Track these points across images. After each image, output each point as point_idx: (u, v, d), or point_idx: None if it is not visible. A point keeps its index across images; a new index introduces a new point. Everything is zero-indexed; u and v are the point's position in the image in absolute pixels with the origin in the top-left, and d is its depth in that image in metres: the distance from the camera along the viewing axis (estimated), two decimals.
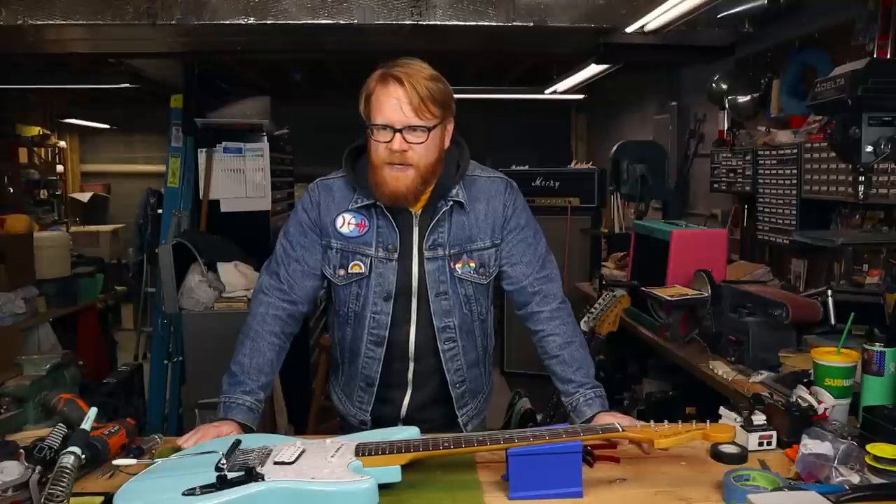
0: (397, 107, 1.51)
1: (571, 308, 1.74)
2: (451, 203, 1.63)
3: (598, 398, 1.62)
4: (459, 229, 1.65)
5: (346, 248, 1.66)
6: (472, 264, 1.66)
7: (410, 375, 1.70)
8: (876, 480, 1.28)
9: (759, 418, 1.52)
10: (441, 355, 1.67)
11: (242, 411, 1.59)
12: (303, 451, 1.31)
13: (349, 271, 1.66)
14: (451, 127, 1.63)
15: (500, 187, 1.70)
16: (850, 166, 1.87)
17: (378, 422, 1.70)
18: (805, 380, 1.75)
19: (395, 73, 1.51)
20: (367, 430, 1.63)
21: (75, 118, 8.01)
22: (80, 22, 3.20)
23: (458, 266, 1.65)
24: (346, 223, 1.65)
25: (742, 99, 3.77)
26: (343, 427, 1.80)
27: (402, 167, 1.54)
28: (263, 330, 1.67)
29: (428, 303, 1.65)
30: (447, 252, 1.64)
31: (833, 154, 2.73)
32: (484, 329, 1.75)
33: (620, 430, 1.37)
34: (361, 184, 1.64)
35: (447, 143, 1.63)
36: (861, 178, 1.87)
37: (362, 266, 1.65)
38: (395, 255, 1.63)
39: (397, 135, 1.51)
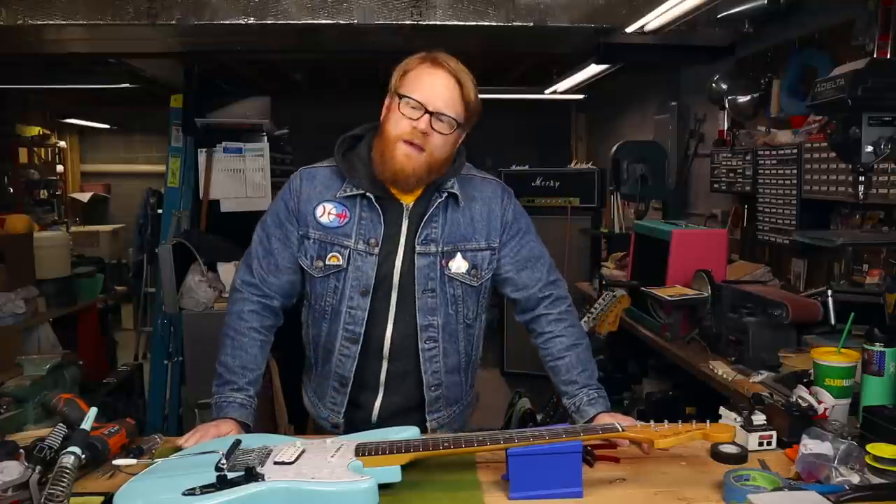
0: (440, 91, 1.51)
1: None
2: (446, 195, 1.60)
3: (601, 398, 1.62)
4: (454, 227, 1.62)
5: (324, 239, 1.61)
6: (465, 264, 1.63)
7: (383, 377, 1.64)
8: (876, 480, 1.27)
9: (759, 418, 1.52)
10: (420, 354, 1.62)
11: (235, 408, 1.58)
12: (303, 451, 1.31)
13: (327, 262, 1.61)
14: (463, 136, 1.62)
15: (497, 190, 1.69)
16: (850, 166, 1.87)
17: (350, 425, 1.65)
18: (805, 380, 1.75)
19: (449, 65, 1.53)
20: (339, 433, 1.61)
21: (75, 118, 8.01)
22: (80, 22, 3.20)
23: (450, 264, 1.62)
24: (327, 213, 1.61)
25: (742, 99, 3.77)
26: (315, 431, 1.75)
27: (417, 148, 1.52)
28: (242, 327, 1.65)
29: (412, 298, 1.60)
30: (440, 248, 1.61)
31: (833, 154, 2.73)
32: (469, 336, 1.70)
33: (620, 430, 1.37)
34: (352, 174, 1.60)
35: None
36: (861, 178, 1.86)
37: (340, 258, 1.60)
38: (376, 250, 1.59)
39: (426, 116, 1.50)
